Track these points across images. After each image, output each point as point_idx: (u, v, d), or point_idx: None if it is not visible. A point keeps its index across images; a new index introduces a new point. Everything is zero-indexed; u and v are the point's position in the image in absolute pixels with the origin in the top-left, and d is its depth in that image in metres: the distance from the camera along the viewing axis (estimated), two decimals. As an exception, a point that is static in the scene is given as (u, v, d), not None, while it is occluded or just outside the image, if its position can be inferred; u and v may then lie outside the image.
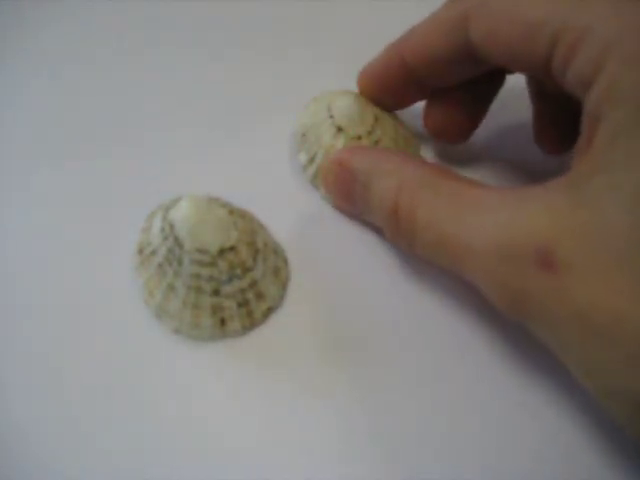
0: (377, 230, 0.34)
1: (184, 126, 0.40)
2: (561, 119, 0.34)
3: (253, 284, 0.31)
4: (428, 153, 0.39)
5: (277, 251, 0.34)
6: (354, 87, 0.38)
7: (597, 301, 0.23)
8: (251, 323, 0.32)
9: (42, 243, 0.34)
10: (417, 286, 0.34)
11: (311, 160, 0.37)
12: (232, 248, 0.31)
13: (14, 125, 0.39)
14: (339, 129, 0.36)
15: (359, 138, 0.36)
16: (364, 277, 0.34)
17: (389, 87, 0.36)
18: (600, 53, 0.25)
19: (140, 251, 0.32)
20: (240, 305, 0.31)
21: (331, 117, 0.37)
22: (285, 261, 0.34)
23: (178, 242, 0.30)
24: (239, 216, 0.32)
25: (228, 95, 0.41)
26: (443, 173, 0.30)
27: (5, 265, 0.34)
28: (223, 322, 0.31)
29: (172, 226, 0.30)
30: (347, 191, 0.34)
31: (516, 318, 0.27)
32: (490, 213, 0.27)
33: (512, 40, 0.29)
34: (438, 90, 0.36)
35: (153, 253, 0.31)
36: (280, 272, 0.33)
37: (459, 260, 0.28)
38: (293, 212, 0.36)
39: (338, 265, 0.35)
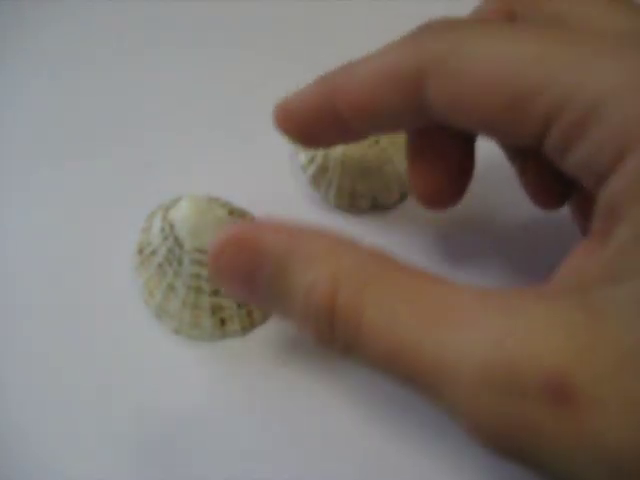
0: (378, 231, 0.34)
1: (184, 126, 0.40)
2: (550, 173, 0.28)
3: None
4: None
5: None
6: None
7: (632, 444, 0.19)
8: (251, 323, 0.32)
9: (42, 243, 0.34)
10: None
11: (311, 160, 0.37)
12: (232, 248, 0.31)
13: (14, 125, 0.39)
14: None
15: None
16: None
17: (312, 133, 0.30)
18: (620, 137, 0.20)
19: (140, 251, 0.32)
20: (240, 305, 0.31)
21: None
22: None
23: (178, 242, 0.30)
24: (239, 216, 0.32)
25: (228, 95, 0.41)
26: (390, 262, 0.23)
27: (5, 265, 0.34)
28: (223, 322, 0.31)
29: (172, 226, 0.30)
30: (248, 281, 0.24)
31: (502, 454, 0.21)
32: (471, 325, 0.21)
33: (488, 112, 0.23)
34: (414, 150, 0.30)
35: (153, 253, 0.31)
36: None
37: (423, 380, 0.21)
38: (293, 212, 0.36)
39: None
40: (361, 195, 0.36)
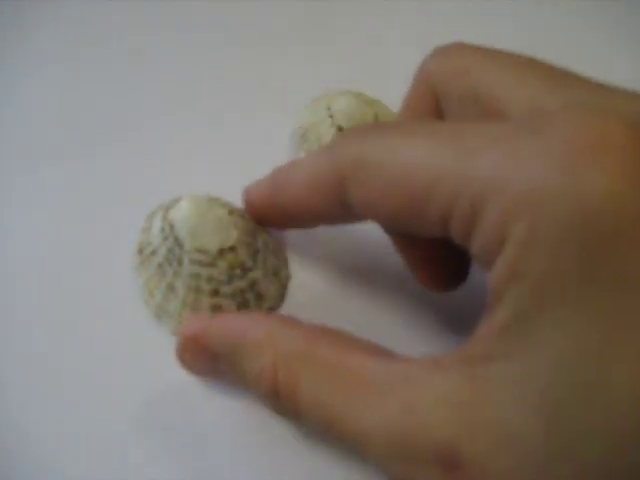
0: (378, 231, 0.34)
1: (184, 126, 0.40)
2: (437, 256, 0.30)
3: (253, 284, 0.31)
4: None
5: (277, 251, 0.33)
6: (353, 87, 0.38)
7: None
8: (251, 323, 0.32)
9: (42, 243, 0.34)
10: (419, 286, 0.33)
11: None
12: (232, 248, 0.31)
13: (14, 125, 0.39)
14: (339, 129, 0.36)
15: None
16: (365, 277, 0.34)
17: (268, 220, 0.33)
18: (497, 232, 0.22)
19: (140, 251, 0.32)
20: (240, 306, 0.31)
21: (331, 117, 0.37)
22: (285, 261, 0.34)
23: (178, 242, 0.30)
24: (239, 216, 0.32)
25: (228, 95, 0.41)
26: (320, 338, 0.26)
27: (5, 265, 0.34)
28: (223, 322, 0.31)
29: (172, 226, 0.30)
30: (211, 368, 0.29)
31: None
32: (378, 395, 0.23)
33: (394, 213, 0.25)
34: (401, 242, 0.31)
35: (153, 253, 0.31)
36: (280, 272, 0.33)
37: (352, 447, 0.24)
38: None
39: (339, 265, 0.34)
40: None
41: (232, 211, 0.32)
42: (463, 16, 0.47)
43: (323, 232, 0.35)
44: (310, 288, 0.34)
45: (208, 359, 0.28)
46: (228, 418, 0.30)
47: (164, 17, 0.45)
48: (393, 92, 0.39)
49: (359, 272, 0.34)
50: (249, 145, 0.39)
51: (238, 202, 0.33)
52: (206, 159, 0.38)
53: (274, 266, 0.33)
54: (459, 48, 0.29)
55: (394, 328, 0.33)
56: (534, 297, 0.21)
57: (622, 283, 0.20)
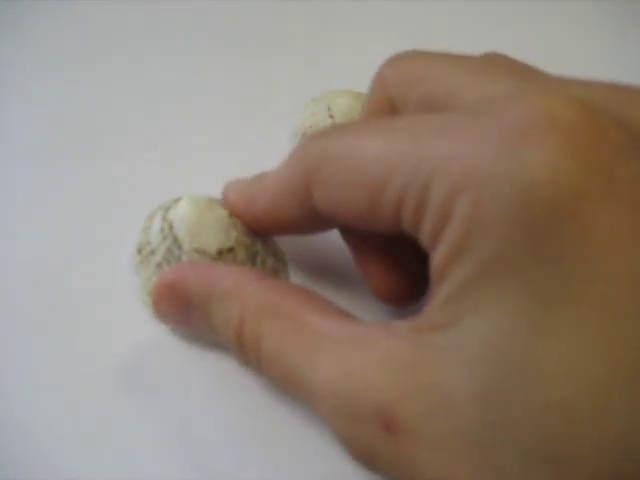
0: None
1: (184, 126, 0.40)
2: (397, 264, 0.30)
3: None
4: None
5: (277, 253, 0.33)
6: (353, 87, 0.38)
7: (440, 475, 0.21)
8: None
9: (41, 242, 0.34)
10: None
11: None
12: (230, 249, 0.31)
13: (14, 125, 0.39)
14: None
15: None
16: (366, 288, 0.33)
17: (255, 228, 0.32)
18: (442, 211, 0.22)
19: (139, 250, 0.32)
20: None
21: (331, 117, 0.37)
22: (285, 263, 0.34)
23: (177, 242, 0.30)
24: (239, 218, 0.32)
25: (227, 95, 0.41)
26: (287, 293, 0.27)
27: (6, 264, 0.34)
28: (220, 323, 0.31)
29: (171, 226, 0.30)
30: (185, 317, 0.29)
31: (364, 467, 0.24)
32: (330, 353, 0.24)
33: (354, 210, 0.26)
34: (362, 248, 0.31)
35: (152, 252, 0.31)
36: (279, 274, 0.33)
37: (306, 401, 0.25)
38: None
39: (338, 267, 0.34)
40: None
41: (232, 212, 0.31)
42: (463, 16, 0.47)
43: (324, 234, 0.34)
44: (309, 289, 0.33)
45: (182, 306, 0.29)
46: (228, 416, 0.30)
47: (164, 18, 0.45)
48: None
49: (360, 275, 0.33)
50: (249, 146, 0.39)
51: None
52: (206, 159, 0.38)
53: (273, 268, 0.33)
54: (413, 55, 0.29)
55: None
56: (476, 270, 0.21)
57: (559, 258, 0.20)
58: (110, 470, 0.28)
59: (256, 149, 0.39)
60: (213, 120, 0.40)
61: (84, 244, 0.34)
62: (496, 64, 0.27)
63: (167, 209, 0.31)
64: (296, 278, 0.34)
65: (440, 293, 0.22)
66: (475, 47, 0.43)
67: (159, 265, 0.31)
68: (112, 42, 0.43)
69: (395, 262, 0.30)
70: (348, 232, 0.31)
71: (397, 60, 0.30)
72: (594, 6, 0.47)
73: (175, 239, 0.30)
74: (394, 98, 0.29)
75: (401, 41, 0.43)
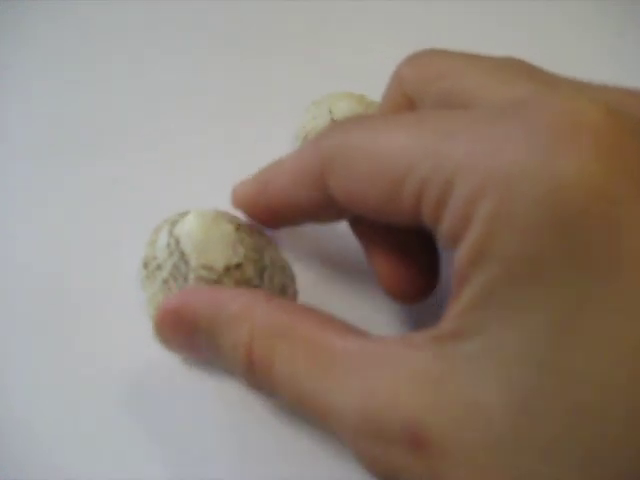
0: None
1: (184, 126, 0.39)
2: (408, 260, 0.30)
3: None
4: None
5: (285, 268, 0.33)
6: (354, 90, 0.38)
7: None
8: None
9: (41, 242, 0.34)
10: (432, 303, 0.32)
11: None
12: (238, 265, 0.30)
13: (13, 125, 0.39)
14: None
15: None
16: (374, 295, 0.33)
17: (256, 217, 0.32)
18: (465, 210, 0.22)
19: (145, 265, 0.32)
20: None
21: (332, 120, 0.36)
22: (293, 278, 0.33)
23: (184, 258, 0.30)
24: (246, 232, 0.31)
25: (227, 96, 0.41)
26: (297, 313, 0.26)
27: (9, 275, 0.33)
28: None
29: (178, 241, 0.30)
30: (189, 343, 0.29)
31: None
32: (350, 373, 0.23)
33: (372, 201, 0.25)
34: (374, 241, 0.30)
35: (158, 268, 0.31)
36: (287, 290, 0.32)
37: (323, 422, 0.24)
38: None
39: (349, 282, 0.34)
40: None
41: (239, 227, 0.31)
42: (463, 16, 0.47)
43: (332, 247, 0.35)
44: (319, 307, 0.33)
45: (186, 333, 0.28)
46: (233, 430, 0.30)
47: (164, 18, 0.45)
48: None
49: (370, 289, 0.34)
50: (249, 146, 0.39)
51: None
52: (206, 160, 0.38)
53: (281, 283, 0.32)
54: (432, 53, 0.29)
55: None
56: (502, 275, 0.21)
57: (589, 262, 0.20)
58: (110, 470, 0.28)
59: (256, 150, 0.38)
60: (213, 120, 0.40)
61: (84, 244, 0.34)
62: (514, 66, 0.27)
63: (174, 223, 0.31)
64: (304, 293, 0.34)
65: (462, 298, 0.22)
66: (475, 47, 0.43)
67: (165, 281, 0.31)
68: (112, 42, 0.43)
69: (405, 257, 0.29)
70: (359, 224, 0.30)
71: (415, 58, 0.30)
72: (594, 6, 0.47)
73: (182, 255, 0.30)
74: (411, 95, 0.29)
75: (401, 42, 0.44)
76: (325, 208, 0.28)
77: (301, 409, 0.25)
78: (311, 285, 0.34)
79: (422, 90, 0.28)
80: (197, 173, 0.37)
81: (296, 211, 0.30)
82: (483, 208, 0.21)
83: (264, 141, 0.39)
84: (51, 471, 0.28)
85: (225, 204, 0.32)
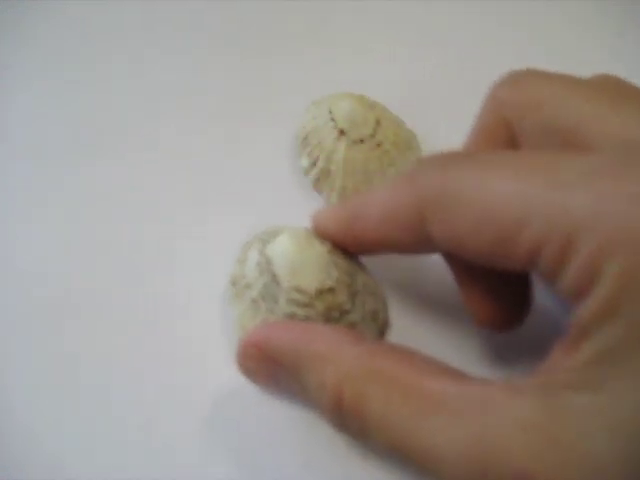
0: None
1: (184, 126, 0.39)
2: (501, 290, 0.29)
3: (350, 328, 0.30)
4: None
5: (376, 292, 0.32)
6: (353, 90, 0.38)
7: None
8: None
9: (42, 243, 0.35)
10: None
11: (313, 164, 0.37)
12: (331, 289, 0.29)
13: (13, 125, 0.39)
14: (341, 132, 0.36)
15: (361, 141, 0.36)
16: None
17: (352, 249, 0.31)
18: (592, 267, 0.22)
19: (234, 283, 0.31)
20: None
21: (332, 120, 0.36)
22: (384, 304, 0.32)
23: (275, 279, 0.29)
24: (339, 254, 0.31)
25: (227, 96, 0.41)
26: (389, 355, 0.26)
27: (6, 265, 0.34)
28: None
29: (269, 261, 0.30)
30: (272, 379, 0.28)
31: None
32: (453, 417, 0.23)
33: (480, 247, 0.25)
34: (461, 278, 0.30)
35: (247, 287, 0.30)
36: (378, 316, 0.31)
37: (421, 465, 0.24)
38: (295, 217, 0.35)
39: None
40: None
41: (332, 249, 0.30)
42: (463, 16, 0.46)
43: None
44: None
45: (269, 368, 0.28)
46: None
47: (164, 18, 0.44)
48: (393, 95, 0.40)
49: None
50: (249, 147, 0.39)
51: (240, 209, 0.36)
52: (206, 160, 0.38)
53: (372, 309, 0.31)
54: (532, 76, 0.29)
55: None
56: (629, 335, 0.21)
57: None
58: (110, 470, 0.29)
59: (256, 150, 0.38)
60: (213, 120, 0.40)
61: (84, 245, 0.35)
62: (620, 93, 0.27)
63: (265, 242, 0.31)
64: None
65: (582, 351, 0.22)
66: (475, 47, 0.44)
67: (254, 301, 0.30)
68: (112, 42, 0.43)
69: (498, 288, 0.29)
70: (453, 258, 0.30)
71: (513, 80, 0.29)
72: (594, 6, 0.46)
73: (273, 276, 0.29)
74: (511, 120, 0.29)
75: (401, 42, 0.44)
76: (420, 245, 0.28)
77: (396, 452, 0.25)
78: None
79: (523, 117, 0.28)
80: (197, 173, 0.37)
81: (387, 246, 0.29)
82: (612, 267, 0.21)
83: (264, 141, 0.39)
84: (51, 471, 0.29)
85: (226, 204, 0.35)
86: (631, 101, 0.26)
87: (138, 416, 0.30)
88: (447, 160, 0.27)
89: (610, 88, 0.27)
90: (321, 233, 0.31)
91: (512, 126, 0.29)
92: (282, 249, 0.29)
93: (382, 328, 0.32)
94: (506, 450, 0.22)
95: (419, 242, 0.28)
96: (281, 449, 0.30)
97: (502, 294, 0.29)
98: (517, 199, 0.23)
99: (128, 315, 0.33)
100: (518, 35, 0.45)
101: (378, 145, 0.36)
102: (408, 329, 0.32)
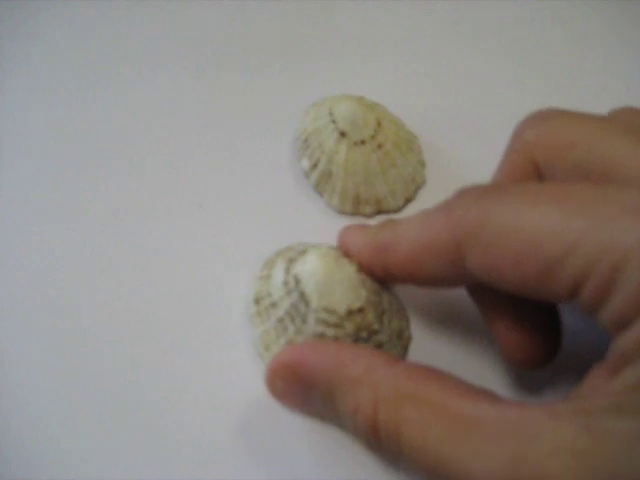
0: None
1: (184, 127, 0.39)
2: (530, 327, 0.29)
3: (378, 348, 0.30)
4: (430, 155, 0.39)
5: (401, 311, 0.32)
6: (352, 91, 0.38)
7: None
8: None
9: (46, 253, 0.34)
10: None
11: (314, 166, 0.36)
12: (360, 309, 0.29)
13: (14, 134, 0.38)
14: (342, 134, 0.36)
15: (362, 143, 0.36)
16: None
17: (380, 277, 0.31)
18: (636, 302, 0.22)
19: (257, 300, 0.31)
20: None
21: (333, 122, 0.36)
22: (407, 321, 0.32)
23: (304, 298, 0.29)
24: (366, 274, 0.30)
25: (228, 100, 0.40)
26: (423, 378, 0.26)
27: (11, 271, 0.33)
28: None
29: (298, 281, 0.29)
30: (303, 400, 0.28)
31: None
32: (491, 440, 0.23)
33: (520, 278, 0.25)
34: (495, 309, 0.29)
35: (273, 306, 0.30)
36: (403, 334, 0.31)
37: None
38: (297, 219, 0.36)
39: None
40: (365, 201, 0.36)
41: (359, 268, 0.30)
42: (464, 17, 0.46)
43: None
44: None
45: (301, 389, 0.27)
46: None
47: (162, 23, 0.43)
48: (392, 95, 0.39)
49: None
50: (250, 149, 0.38)
51: (241, 211, 0.35)
52: (206, 162, 0.37)
53: (399, 327, 0.31)
54: (558, 116, 0.29)
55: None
56: None
57: None
58: (110, 470, 0.28)
59: (257, 151, 0.38)
60: (213, 121, 0.39)
61: (85, 252, 0.34)
62: None
63: (291, 260, 0.30)
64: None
65: (624, 377, 0.22)
66: (475, 47, 0.44)
67: (280, 320, 0.30)
68: (113, 51, 0.42)
69: (527, 323, 0.29)
70: (479, 291, 0.29)
71: (540, 121, 0.29)
72: (594, 6, 0.47)
73: (302, 295, 0.29)
74: (540, 163, 0.28)
75: (402, 43, 0.44)
76: (453, 278, 0.28)
77: (433, 475, 0.24)
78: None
79: (553, 158, 0.28)
80: (197, 173, 0.37)
81: (418, 278, 0.29)
82: None
83: (265, 142, 0.38)
84: (52, 471, 0.28)
85: (226, 205, 0.35)
86: None
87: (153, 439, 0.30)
88: (484, 192, 0.26)
89: (637, 124, 0.27)
90: (348, 255, 0.31)
91: (540, 170, 0.29)
92: (312, 269, 0.29)
93: (406, 345, 0.32)
94: (547, 475, 0.22)
95: (453, 274, 0.27)
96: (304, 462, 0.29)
97: (531, 331, 0.29)
98: (561, 231, 0.23)
99: (140, 328, 0.32)
100: (518, 36, 0.45)
101: (379, 146, 0.36)
102: (428, 344, 0.32)
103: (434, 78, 0.43)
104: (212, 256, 0.34)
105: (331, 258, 0.29)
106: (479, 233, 0.25)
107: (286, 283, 0.29)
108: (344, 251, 0.31)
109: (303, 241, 0.33)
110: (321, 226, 0.36)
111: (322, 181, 0.36)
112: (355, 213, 0.36)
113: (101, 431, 0.29)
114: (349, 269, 0.30)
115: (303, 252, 0.30)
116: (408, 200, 0.37)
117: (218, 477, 0.28)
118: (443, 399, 0.24)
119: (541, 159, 0.28)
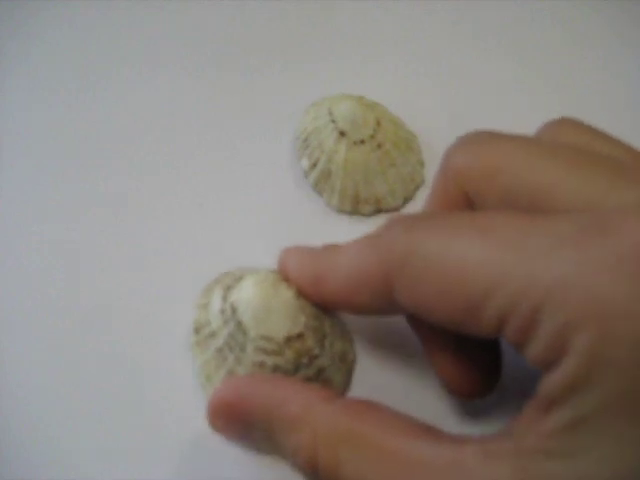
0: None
1: (184, 127, 0.39)
2: (469, 358, 0.28)
3: (320, 372, 0.29)
4: (429, 154, 0.38)
5: (344, 334, 0.31)
6: (352, 91, 0.38)
7: None
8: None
9: (48, 256, 0.34)
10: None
11: (313, 166, 0.36)
12: (299, 335, 0.29)
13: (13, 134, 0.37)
14: (342, 134, 0.36)
15: (362, 142, 0.36)
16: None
17: (313, 301, 0.30)
18: (559, 340, 0.21)
19: (197, 330, 0.30)
20: (304, 394, 0.29)
21: (333, 122, 0.36)
22: (351, 343, 0.32)
23: (241, 327, 0.28)
24: (306, 298, 0.30)
25: (228, 100, 0.40)
26: (361, 415, 0.25)
27: (12, 272, 0.33)
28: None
29: (234, 309, 0.28)
30: (244, 436, 0.28)
31: None
32: None
33: (446, 313, 0.24)
34: (433, 339, 0.29)
35: (212, 335, 0.29)
36: (347, 356, 0.31)
37: None
38: (296, 219, 0.36)
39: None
40: (365, 200, 0.36)
41: (298, 292, 0.29)
42: (464, 17, 0.46)
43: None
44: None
45: (241, 426, 0.27)
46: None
47: (163, 23, 0.43)
48: (392, 95, 0.40)
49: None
50: (249, 150, 0.38)
51: (241, 212, 0.35)
52: (206, 162, 0.37)
53: (341, 351, 0.31)
54: (486, 140, 0.28)
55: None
56: (598, 406, 0.21)
57: None
58: (110, 470, 0.28)
59: (256, 151, 0.38)
60: (213, 121, 0.39)
61: (85, 251, 0.34)
62: (576, 150, 0.26)
63: (228, 288, 0.29)
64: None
65: (552, 419, 0.22)
66: (475, 47, 0.45)
67: (220, 350, 0.29)
68: (113, 51, 0.42)
69: (466, 356, 0.28)
70: (416, 323, 0.29)
71: (468, 145, 0.28)
72: (594, 6, 0.47)
73: (239, 324, 0.28)
74: (469, 190, 0.28)
75: (401, 43, 0.44)
76: (386, 310, 0.28)
77: None
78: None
79: (482, 187, 0.27)
80: (197, 173, 0.37)
81: (353, 308, 0.29)
82: (580, 340, 0.21)
83: (264, 142, 0.38)
84: (52, 471, 0.28)
85: (226, 204, 0.35)
86: (586, 158, 0.25)
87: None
88: (413, 222, 0.26)
89: (564, 146, 0.27)
90: (287, 279, 0.30)
91: (470, 197, 0.28)
92: (247, 296, 0.28)
93: (350, 367, 0.31)
94: None
95: (386, 306, 0.27)
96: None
97: (471, 361, 0.28)
98: (484, 266, 0.23)
99: (140, 328, 0.32)
100: (518, 35, 0.45)
101: (379, 146, 0.36)
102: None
103: (434, 78, 0.42)
104: (212, 256, 0.34)
105: (268, 284, 0.29)
106: (404, 266, 0.25)
107: (223, 311, 0.29)
108: (283, 275, 0.30)
109: (249, 265, 0.32)
110: (320, 225, 0.36)
111: (321, 180, 0.36)
112: (354, 212, 0.36)
113: (101, 431, 0.29)
114: (287, 294, 0.29)
115: (239, 278, 0.30)
116: (407, 199, 0.37)
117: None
118: (380, 438, 0.24)
119: (469, 187, 0.28)
